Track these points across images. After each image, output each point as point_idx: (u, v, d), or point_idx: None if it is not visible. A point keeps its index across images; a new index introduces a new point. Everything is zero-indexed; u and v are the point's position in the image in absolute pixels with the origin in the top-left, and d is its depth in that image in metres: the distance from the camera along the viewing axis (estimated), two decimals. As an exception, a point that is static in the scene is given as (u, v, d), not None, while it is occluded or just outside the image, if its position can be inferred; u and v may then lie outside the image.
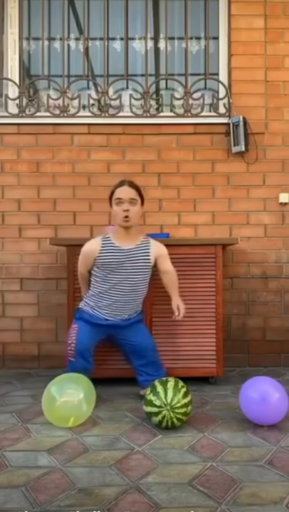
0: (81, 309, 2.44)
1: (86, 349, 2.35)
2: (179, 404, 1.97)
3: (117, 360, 2.65)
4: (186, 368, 2.65)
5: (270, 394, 1.98)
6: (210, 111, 3.24)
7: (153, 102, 3.32)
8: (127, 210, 2.34)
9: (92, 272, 2.44)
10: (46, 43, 3.31)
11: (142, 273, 2.40)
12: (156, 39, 3.38)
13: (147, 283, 2.46)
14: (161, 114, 3.26)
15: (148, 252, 2.42)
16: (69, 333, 2.42)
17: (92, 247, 2.40)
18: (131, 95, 3.24)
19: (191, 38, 3.34)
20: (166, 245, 2.67)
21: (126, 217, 2.34)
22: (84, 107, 3.26)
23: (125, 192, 2.37)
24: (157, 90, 3.38)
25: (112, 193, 2.41)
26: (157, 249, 2.45)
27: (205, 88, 3.33)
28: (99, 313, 2.39)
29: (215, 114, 3.21)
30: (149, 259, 2.42)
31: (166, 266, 2.47)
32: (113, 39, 3.36)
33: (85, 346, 2.34)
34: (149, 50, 3.33)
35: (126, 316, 2.42)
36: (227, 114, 3.18)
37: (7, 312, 3.15)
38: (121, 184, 2.40)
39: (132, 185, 2.40)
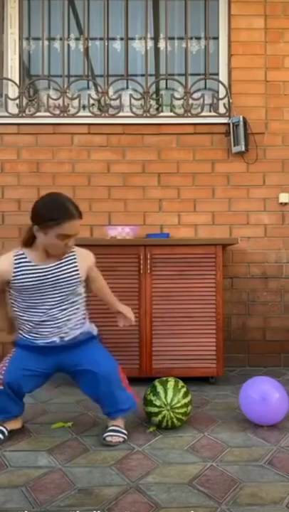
0: (19, 337, 1.99)
1: (18, 373, 1.87)
2: (179, 404, 1.97)
3: (117, 360, 2.64)
4: (186, 368, 2.65)
5: (270, 394, 1.98)
6: (210, 111, 3.24)
7: (153, 102, 3.32)
8: (71, 246, 1.90)
9: (10, 296, 1.97)
10: (46, 43, 3.31)
11: (66, 289, 1.93)
12: (156, 39, 3.38)
13: (80, 301, 2.00)
14: (161, 114, 3.26)
15: (74, 265, 1.96)
16: (5, 359, 1.97)
17: (3, 267, 1.89)
18: (131, 95, 3.24)
19: (191, 38, 3.34)
20: (167, 245, 2.68)
21: (65, 252, 1.92)
22: (84, 107, 3.26)
23: (76, 228, 1.87)
24: (157, 90, 3.38)
25: (57, 222, 1.80)
26: (86, 259, 2.03)
27: (205, 88, 3.33)
28: (29, 338, 1.94)
29: (215, 114, 3.21)
30: (77, 273, 1.95)
31: (94, 273, 2.09)
32: (113, 39, 3.36)
33: (18, 368, 1.88)
34: (149, 50, 3.33)
35: (62, 337, 1.94)
36: (227, 114, 3.18)
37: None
38: (74, 215, 1.85)
39: (80, 213, 1.91)
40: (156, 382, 2.06)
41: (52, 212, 1.83)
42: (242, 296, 3.17)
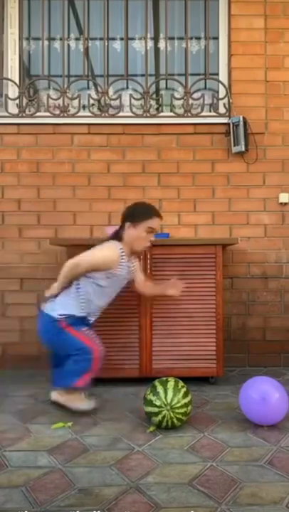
0: (70, 315, 2.24)
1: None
2: (179, 404, 1.97)
3: (117, 360, 2.65)
4: (186, 368, 2.65)
5: (270, 394, 1.98)
6: (210, 111, 3.24)
7: (153, 102, 3.32)
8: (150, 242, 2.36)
9: (93, 281, 2.26)
10: (46, 43, 3.31)
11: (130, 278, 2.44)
12: (156, 39, 3.38)
13: None
14: (161, 114, 3.26)
15: (136, 266, 2.46)
16: (86, 337, 2.20)
17: (115, 257, 2.24)
18: (131, 95, 3.24)
19: (191, 38, 3.34)
20: (167, 245, 2.68)
21: (147, 246, 2.36)
22: (84, 107, 3.26)
23: (159, 224, 2.38)
24: (157, 90, 3.38)
25: (147, 216, 2.29)
26: (136, 264, 2.48)
27: (205, 88, 3.33)
28: (86, 318, 2.32)
29: (215, 114, 3.21)
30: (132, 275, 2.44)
31: (139, 273, 2.52)
32: (113, 39, 3.36)
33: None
34: (149, 50, 3.33)
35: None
36: (227, 114, 3.18)
37: (7, 312, 3.15)
38: (160, 215, 2.35)
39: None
40: (156, 382, 2.06)
41: (145, 210, 2.33)
42: (242, 296, 3.17)
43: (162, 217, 2.38)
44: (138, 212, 2.30)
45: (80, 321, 2.26)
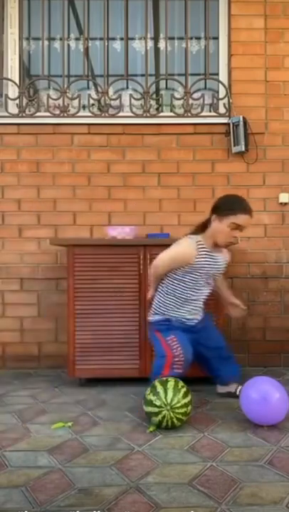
0: (165, 319, 2.31)
1: (190, 352, 2.23)
2: (179, 404, 1.97)
3: (117, 360, 2.65)
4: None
5: (270, 394, 1.98)
6: (210, 111, 3.24)
7: (153, 102, 3.32)
8: (235, 238, 2.32)
9: (176, 277, 2.30)
10: (46, 43, 3.31)
11: (216, 278, 2.43)
12: (156, 39, 3.38)
13: None
14: (161, 114, 3.26)
15: (226, 258, 2.43)
16: (167, 346, 2.23)
17: (188, 250, 2.24)
18: (131, 95, 3.24)
19: (191, 38, 3.34)
20: (167, 245, 2.67)
21: (232, 242, 2.33)
22: (84, 107, 3.26)
23: (249, 222, 2.26)
24: (157, 90, 3.38)
25: (233, 212, 2.22)
26: (227, 257, 2.45)
27: (205, 88, 3.33)
28: (183, 319, 2.31)
29: (215, 114, 3.21)
30: (224, 267, 2.41)
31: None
32: (113, 39, 3.36)
33: (191, 355, 2.22)
34: (149, 50, 3.33)
35: (201, 316, 2.39)
36: (227, 114, 3.18)
37: (7, 312, 3.15)
38: (248, 211, 2.24)
39: (252, 213, 2.29)
40: (156, 382, 2.06)
41: (232, 204, 2.24)
42: (242, 296, 3.16)
43: (252, 215, 2.26)
44: (224, 206, 2.24)
45: (172, 326, 2.28)
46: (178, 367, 2.17)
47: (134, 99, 3.22)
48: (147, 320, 2.43)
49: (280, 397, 1.98)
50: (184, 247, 2.25)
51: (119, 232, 2.79)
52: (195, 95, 3.22)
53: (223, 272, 2.42)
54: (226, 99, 3.20)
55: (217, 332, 2.47)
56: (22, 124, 3.18)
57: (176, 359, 2.18)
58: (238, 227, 2.22)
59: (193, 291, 2.30)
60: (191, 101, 3.22)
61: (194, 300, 2.32)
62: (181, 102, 3.25)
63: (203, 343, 2.34)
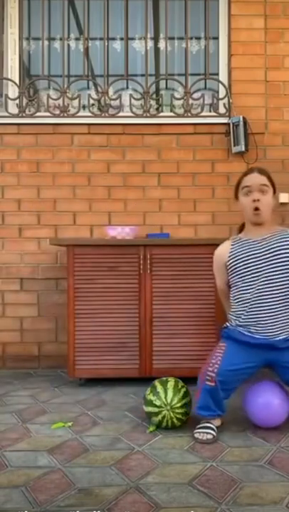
0: (228, 327, 2.04)
1: (230, 373, 1.89)
2: (179, 404, 1.97)
3: (117, 360, 2.65)
4: (186, 368, 2.65)
5: (272, 398, 1.96)
6: (210, 111, 3.24)
7: (153, 102, 3.32)
8: (258, 200, 1.95)
9: (230, 282, 2.06)
10: (46, 43, 3.31)
11: (285, 269, 1.91)
12: (156, 39, 3.38)
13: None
14: (161, 114, 3.26)
15: (286, 245, 1.94)
16: (213, 352, 2.00)
17: (219, 251, 2.09)
18: (131, 95, 3.24)
19: (191, 38, 3.34)
20: (167, 245, 2.68)
21: (256, 209, 1.96)
22: (84, 107, 3.26)
23: (254, 178, 1.99)
24: (157, 90, 3.38)
25: (239, 182, 2.05)
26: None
27: (205, 88, 3.33)
28: (245, 331, 1.96)
29: (215, 114, 3.21)
30: (287, 251, 1.93)
31: None
32: (113, 39, 3.36)
33: (231, 365, 1.89)
34: (149, 50, 3.33)
35: (277, 331, 1.91)
36: (227, 114, 3.18)
37: (7, 312, 3.15)
38: (250, 171, 2.04)
39: (263, 171, 2.03)
40: (156, 382, 2.06)
41: (242, 176, 2.06)
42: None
43: (255, 170, 2.03)
44: (235, 186, 2.09)
45: (229, 334, 2.00)
46: (208, 377, 1.90)
47: (134, 99, 3.22)
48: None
49: (281, 401, 1.97)
50: (217, 251, 2.12)
51: (119, 232, 2.79)
52: (195, 95, 3.22)
53: (284, 262, 1.91)
54: (226, 99, 3.20)
55: None
56: (22, 124, 3.18)
57: (210, 368, 1.91)
58: (250, 188, 1.98)
59: (242, 293, 1.97)
60: (191, 101, 3.23)
61: (250, 307, 1.94)
62: (181, 102, 3.25)
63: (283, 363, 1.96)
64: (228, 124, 3.13)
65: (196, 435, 1.91)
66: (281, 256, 1.93)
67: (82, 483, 1.56)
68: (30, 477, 1.60)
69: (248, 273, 1.96)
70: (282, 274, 1.92)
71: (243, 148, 3.06)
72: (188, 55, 3.28)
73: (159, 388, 2.01)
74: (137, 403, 2.35)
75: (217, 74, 3.29)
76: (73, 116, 3.20)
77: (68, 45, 3.36)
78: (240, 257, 1.98)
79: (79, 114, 3.22)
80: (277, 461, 1.71)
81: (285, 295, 1.93)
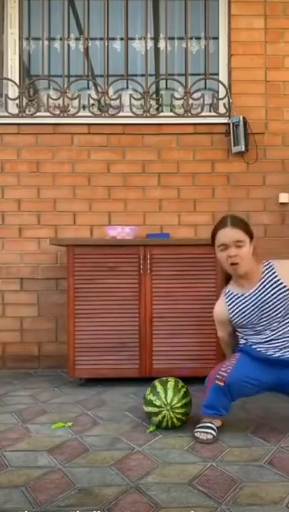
0: (242, 343, 2.05)
1: (241, 378, 1.88)
2: (179, 404, 1.97)
3: (117, 360, 2.65)
4: (186, 368, 2.65)
5: None
6: (210, 111, 3.24)
7: (153, 102, 3.32)
8: (234, 256, 1.91)
9: (236, 328, 2.08)
10: (46, 43, 3.31)
11: (281, 306, 1.94)
12: (156, 39, 3.38)
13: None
14: (161, 114, 3.26)
15: (276, 279, 1.96)
16: (224, 361, 2.03)
17: (218, 310, 2.08)
18: (131, 95, 3.24)
19: (191, 38, 3.34)
20: (166, 245, 2.68)
21: (233, 264, 1.93)
22: (84, 107, 3.26)
23: (228, 234, 1.92)
24: (157, 90, 3.38)
25: (214, 235, 1.98)
26: (285, 266, 1.99)
27: (205, 88, 3.33)
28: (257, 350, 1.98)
29: (215, 114, 3.21)
30: (280, 285, 1.94)
31: None
32: (113, 39, 3.36)
33: (243, 374, 1.89)
34: (149, 50, 3.33)
35: (282, 351, 1.95)
36: (227, 114, 3.18)
37: (7, 312, 3.15)
38: (222, 225, 1.95)
39: (236, 223, 1.94)
40: (156, 382, 2.05)
41: (212, 231, 2.00)
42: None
43: (228, 224, 1.93)
44: (211, 236, 2.02)
45: (243, 349, 2.02)
46: (219, 376, 1.90)
47: (134, 99, 3.22)
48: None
49: None
50: (216, 309, 2.10)
51: (119, 232, 2.79)
52: (195, 95, 3.22)
53: (279, 301, 1.93)
54: (226, 99, 3.20)
55: None
56: (22, 124, 3.18)
57: (223, 369, 1.92)
58: (225, 246, 1.93)
59: (250, 335, 2.01)
60: (191, 101, 3.23)
61: (257, 342, 1.98)
62: (181, 102, 3.25)
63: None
64: (228, 124, 3.13)
65: (197, 434, 1.91)
66: (275, 298, 1.95)
67: (82, 483, 1.56)
68: (30, 477, 1.60)
69: (250, 323, 1.99)
70: (280, 309, 1.95)
71: (243, 148, 3.06)
72: (188, 55, 3.28)
73: (159, 388, 2.01)
74: (137, 403, 2.35)
75: (217, 74, 3.29)
76: (73, 116, 3.20)
77: (68, 45, 3.36)
78: (239, 314, 1.99)
79: (79, 114, 3.22)
80: (277, 461, 1.71)
81: (285, 325, 1.97)
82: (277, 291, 1.94)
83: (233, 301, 2.02)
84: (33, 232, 3.17)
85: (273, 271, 1.98)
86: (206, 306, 2.66)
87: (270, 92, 3.18)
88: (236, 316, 2.00)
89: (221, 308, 2.06)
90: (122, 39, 3.33)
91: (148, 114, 3.19)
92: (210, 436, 1.89)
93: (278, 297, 1.94)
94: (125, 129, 3.18)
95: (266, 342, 1.97)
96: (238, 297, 2.00)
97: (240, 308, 1.99)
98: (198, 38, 3.36)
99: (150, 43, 3.34)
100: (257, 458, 1.74)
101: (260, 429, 2.02)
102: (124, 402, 2.41)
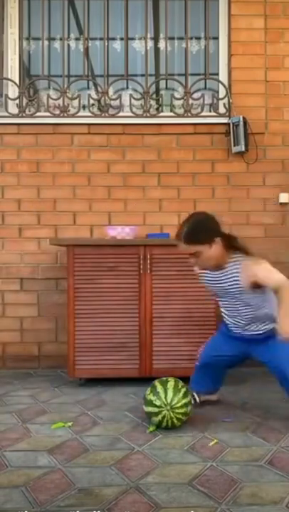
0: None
1: (212, 355, 2.23)
2: (179, 404, 1.97)
3: (117, 360, 2.65)
4: (186, 368, 2.64)
5: None
6: (210, 111, 3.24)
7: (153, 102, 3.32)
8: (194, 264, 2.07)
9: None
10: (46, 43, 3.31)
11: (237, 297, 2.07)
12: (156, 39, 3.38)
13: (254, 304, 2.07)
14: (161, 114, 3.26)
15: (236, 278, 2.04)
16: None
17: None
18: (131, 95, 3.24)
19: (191, 38, 3.34)
20: (167, 245, 2.68)
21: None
22: (84, 107, 3.26)
23: (184, 249, 2.02)
24: (157, 90, 3.38)
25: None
26: (246, 273, 2.01)
27: (205, 88, 3.33)
28: (228, 325, 2.22)
29: (215, 114, 3.21)
30: (237, 283, 2.04)
31: (269, 285, 2.01)
32: (113, 39, 3.35)
33: (212, 351, 2.23)
34: (149, 50, 3.33)
35: (247, 330, 2.14)
36: (227, 114, 3.18)
37: (7, 312, 3.15)
38: (178, 239, 2.01)
39: (189, 239, 1.98)
40: (156, 382, 2.05)
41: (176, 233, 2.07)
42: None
43: (182, 242, 2.00)
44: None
45: (221, 328, 2.32)
46: (197, 358, 2.31)
47: (134, 99, 3.22)
48: None
49: None
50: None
51: (119, 232, 2.79)
52: (195, 95, 3.22)
53: (240, 292, 2.05)
54: (226, 99, 3.20)
55: (274, 350, 2.07)
56: (22, 124, 3.18)
57: (200, 350, 2.32)
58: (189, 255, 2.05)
59: (220, 302, 2.21)
60: (191, 101, 3.22)
61: (225, 312, 2.19)
62: (181, 102, 3.25)
63: (257, 356, 2.17)
64: (228, 124, 3.13)
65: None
66: (230, 288, 2.08)
67: (82, 483, 1.56)
68: (30, 477, 1.60)
69: (217, 295, 2.21)
70: (237, 300, 2.10)
71: (243, 148, 3.06)
72: (188, 55, 3.28)
73: (159, 388, 2.00)
74: (137, 403, 2.35)
75: (217, 74, 3.29)
76: (73, 116, 3.20)
77: (68, 45, 3.36)
78: (205, 278, 2.19)
79: (79, 114, 3.22)
80: (277, 461, 1.71)
81: (247, 308, 2.10)
82: (232, 285, 2.07)
83: (204, 274, 2.18)
84: (33, 232, 3.17)
85: (237, 270, 2.05)
86: (206, 306, 2.67)
87: (270, 92, 3.18)
88: (206, 283, 2.19)
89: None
90: (122, 39, 3.33)
91: (148, 114, 3.19)
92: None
93: (231, 289, 2.08)
94: (125, 129, 3.18)
95: (232, 317, 2.17)
96: (207, 273, 2.16)
97: (206, 281, 2.19)
98: (198, 38, 3.36)
99: (150, 43, 3.34)
100: (257, 458, 1.74)
101: (260, 429, 2.02)
102: (124, 402, 2.41)
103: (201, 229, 2.01)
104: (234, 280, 2.05)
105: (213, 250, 2.01)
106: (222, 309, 2.22)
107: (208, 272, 2.14)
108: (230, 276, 2.06)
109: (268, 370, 2.17)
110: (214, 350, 2.24)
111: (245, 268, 2.04)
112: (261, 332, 2.13)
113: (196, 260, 2.03)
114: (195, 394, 2.28)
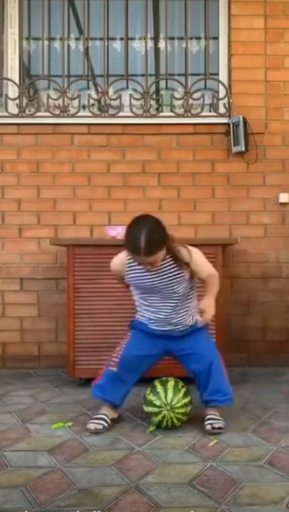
0: (136, 319, 2.20)
1: (133, 359, 2.05)
2: (179, 404, 1.97)
3: (118, 360, 2.64)
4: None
5: None
6: (210, 111, 3.24)
7: (153, 102, 3.32)
8: (149, 266, 1.98)
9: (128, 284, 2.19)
10: (46, 43, 3.31)
11: (174, 290, 2.05)
12: (156, 39, 3.38)
13: (187, 295, 2.11)
14: (161, 114, 3.26)
15: (174, 267, 2.03)
16: (120, 342, 2.17)
17: (116, 263, 2.15)
18: (131, 95, 3.24)
19: (191, 38, 3.34)
20: (166, 245, 2.67)
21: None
22: (84, 107, 3.26)
23: (143, 260, 1.94)
24: (157, 90, 3.38)
25: (128, 252, 2.01)
26: (184, 255, 2.04)
27: (205, 88, 3.33)
28: (147, 323, 2.13)
29: (215, 114, 3.21)
30: (179, 272, 2.03)
31: (201, 273, 2.08)
32: (113, 39, 3.35)
33: (132, 355, 2.06)
34: (149, 50, 3.33)
35: (173, 328, 2.10)
36: (227, 114, 3.18)
37: (7, 312, 3.15)
38: (137, 252, 1.90)
39: (150, 251, 1.90)
40: (156, 382, 2.06)
41: (127, 244, 1.97)
42: (242, 296, 3.17)
43: (143, 255, 1.90)
44: (126, 245, 2.02)
45: (135, 325, 2.18)
46: (112, 364, 2.06)
47: (134, 99, 3.22)
48: None
49: None
50: (115, 259, 2.16)
51: (119, 232, 2.78)
52: (195, 95, 3.22)
53: (180, 282, 2.04)
54: (226, 99, 3.20)
55: (200, 341, 2.11)
56: (22, 124, 3.18)
57: (114, 355, 2.09)
58: (138, 262, 2.00)
59: (143, 300, 2.13)
60: (191, 101, 3.22)
61: (151, 310, 2.11)
62: (181, 102, 3.25)
63: (182, 354, 2.12)
64: (228, 124, 3.13)
65: (88, 426, 2.01)
66: (171, 276, 2.03)
67: (82, 483, 1.56)
68: (30, 477, 1.60)
69: (143, 288, 2.08)
70: (175, 287, 2.04)
71: (243, 148, 3.06)
72: (188, 55, 3.28)
73: (159, 388, 2.01)
74: (136, 403, 2.35)
75: (217, 74, 3.29)
76: (73, 116, 3.20)
77: (68, 45, 3.36)
78: (135, 276, 2.07)
79: (79, 114, 3.22)
80: (277, 461, 1.71)
81: (180, 301, 2.08)
82: (176, 274, 2.03)
83: (133, 266, 2.05)
84: (33, 232, 3.17)
85: (171, 259, 2.02)
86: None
87: (270, 92, 3.18)
88: (133, 276, 2.07)
89: (117, 262, 2.13)
90: (122, 39, 3.33)
91: (148, 114, 3.19)
92: (100, 427, 1.99)
93: (176, 280, 2.03)
94: (125, 129, 3.18)
95: (157, 313, 2.09)
96: (140, 269, 2.03)
97: (136, 271, 2.05)
98: (198, 38, 3.36)
99: (150, 43, 3.34)
100: (257, 458, 1.74)
101: (260, 429, 2.02)
102: (124, 402, 2.41)
103: (157, 236, 1.94)
104: (175, 269, 2.02)
105: (165, 250, 1.98)
106: (144, 307, 2.12)
107: (139, 269, 2.02)
108: (169, 267, 2.02)
109: (184, 366, 2.12)
110: (138, 350, 2.07)
111: (183, 251, 2.04)
112: (184, 328, 2.10)
113: (153, 264, 1.96)
114: (106, 416, 2.05)
